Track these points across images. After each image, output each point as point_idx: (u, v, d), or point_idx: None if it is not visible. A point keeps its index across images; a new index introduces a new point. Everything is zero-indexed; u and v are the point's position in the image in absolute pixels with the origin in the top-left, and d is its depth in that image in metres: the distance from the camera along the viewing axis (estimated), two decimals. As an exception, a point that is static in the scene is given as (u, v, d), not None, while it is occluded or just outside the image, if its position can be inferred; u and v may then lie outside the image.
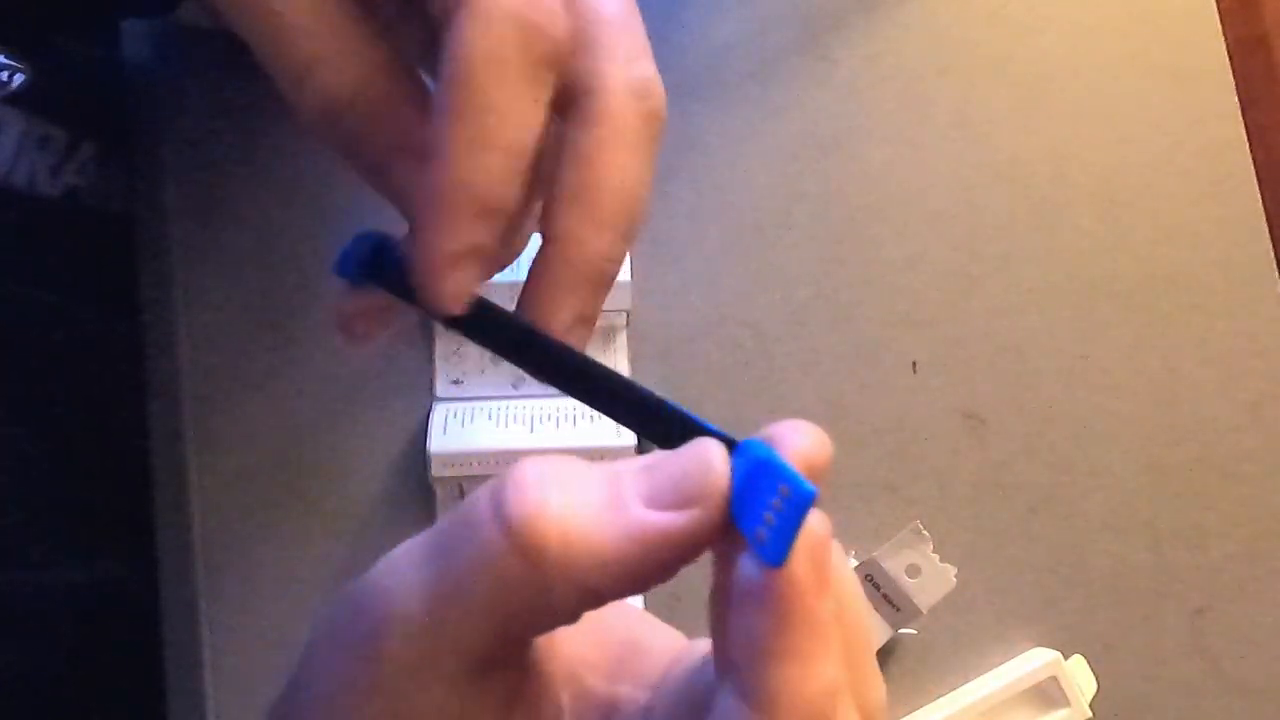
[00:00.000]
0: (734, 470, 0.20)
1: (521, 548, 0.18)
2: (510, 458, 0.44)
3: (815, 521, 0.19)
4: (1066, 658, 0.47)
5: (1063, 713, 0.46)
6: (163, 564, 0.45)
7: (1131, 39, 0.52)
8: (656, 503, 0.19)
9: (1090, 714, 0.46)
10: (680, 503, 0.19)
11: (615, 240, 0.23)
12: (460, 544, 0.19)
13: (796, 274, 0.49)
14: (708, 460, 0.19)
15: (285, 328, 0.47)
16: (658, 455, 0.20)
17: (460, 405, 0.46)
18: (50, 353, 0.42)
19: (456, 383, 0.47)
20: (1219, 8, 0.52)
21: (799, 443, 0.20)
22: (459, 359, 0.47)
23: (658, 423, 0.23)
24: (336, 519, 0.46)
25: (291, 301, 0.47)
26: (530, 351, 0.24)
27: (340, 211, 0.48)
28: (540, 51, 0.22)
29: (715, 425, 0.22)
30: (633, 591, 0.19)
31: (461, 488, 0.45)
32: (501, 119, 0.21)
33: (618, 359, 0.48)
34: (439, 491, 0.45)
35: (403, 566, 0.19)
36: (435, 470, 0.44)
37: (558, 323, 0.23)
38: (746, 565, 0.18)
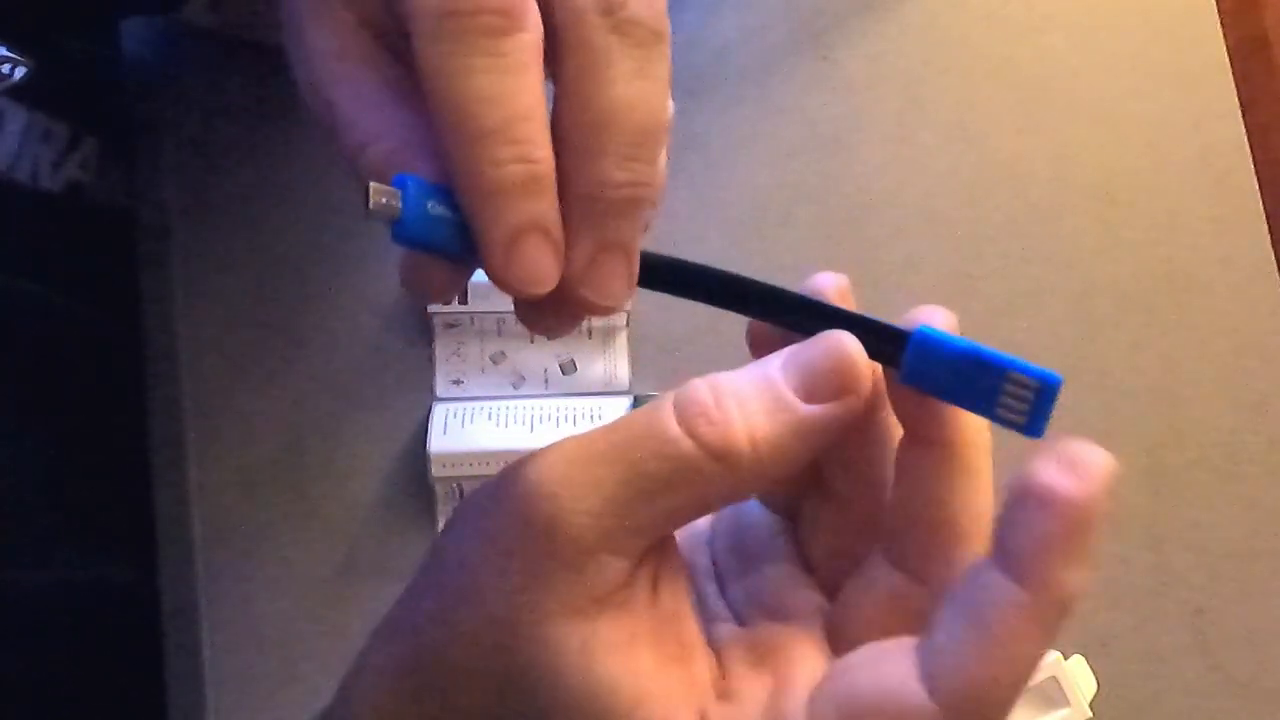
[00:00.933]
0: (931, 356, 0.23)
1: (719, 455, 0.22)
2: (510, 458, 0.44)
3: (1105, 458, 0.22)
4: (1066, 658, 0.47)
5: (1063, 713, 0.46)
6: (163, 564, 0.45)
7: (1131, 39, 0.52)
8: (814, 397, 0.23)
9: (1090, 714, 0.46)
10: (834, 394, 0.23)
11: (612, 165, 0.23)
12: (650, 454, 0.22)
13: (797, 273, 0.49)
14: (848, 352, 0.23)
15: (285, 328, 0.47)
16: (797, 350, 0.24)
17: (460, 405, 0.46)
18: (50, 349, 0.42)
19: (456, 383, 0.47)
20: (1219, 8, 0.52)
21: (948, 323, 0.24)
22: (459, 359, 0.47)
23: (821, 320, 0.25)
24: (336, 519, 0.46)
25: (291, 301, 0.47)
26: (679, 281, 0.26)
27: (340, 211, 0.48)
28: (486, 23, 0.21)
29: (872, 315, 0.25)
30: (796, 471, 0.23)
31: (461, 488, 0.45)
32: (490, 102, 0.22)
33: (618, 359, 0.48)
34: (439, 491, 0.45)
35: (578, 466, 0.22)
36: (435, 470, 0.44)
37: (577, 255, 0.23)
38: (1047, 473, 0.22)
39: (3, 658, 0.38)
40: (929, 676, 0.21)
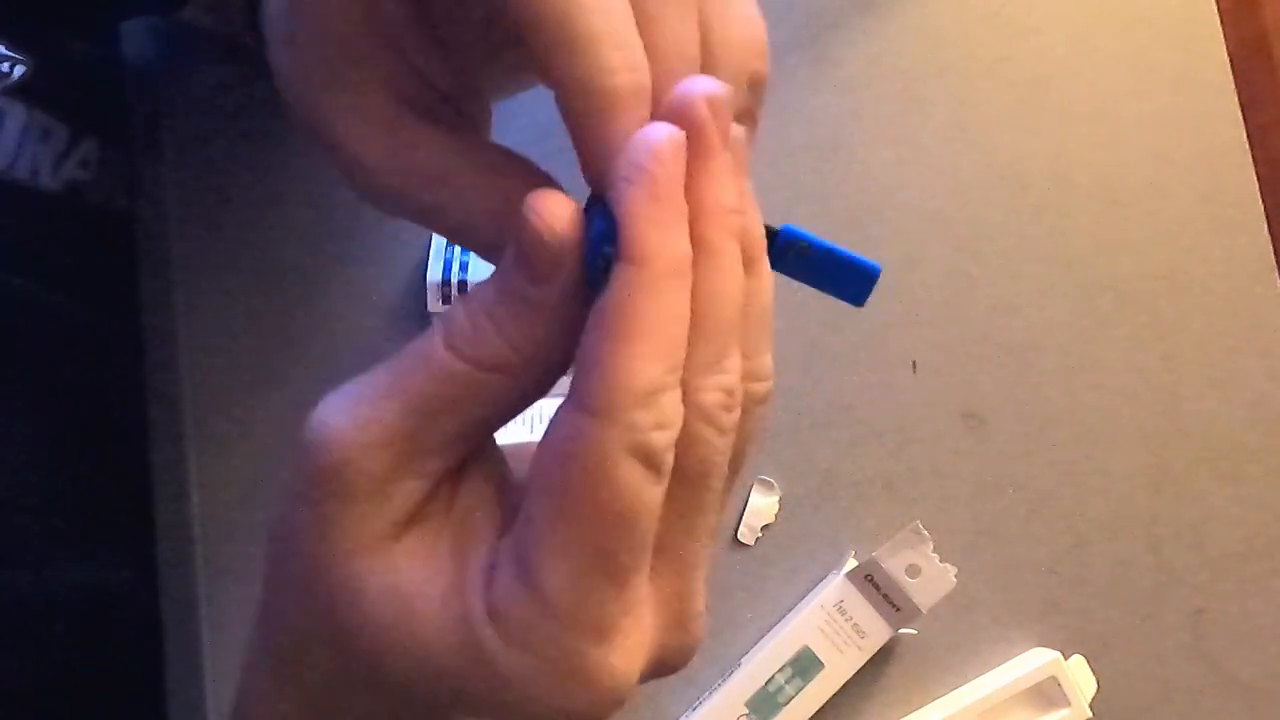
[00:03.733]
0: (793, 249, 0.26)
1: (492, 368, 0.23)
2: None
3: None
4: (1066, 658, 0.47)
5: (1063, 713, 0.46)
6: (163, 564, 0.45)
7: (1131, 39, 0.52)
8: (540, 279, 0.23)
9: (1090, 714, 0.46)
10: (550, 270, 0.23)
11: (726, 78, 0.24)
12: (425, 380, 0.23)
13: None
14: (540, 229, 0.23)
15: (285, 328, 0.47)
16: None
17: (460, 405, 0.46)
18: (49, 349, 0.42)
19: (456, 383, 0.47)
20: (1219, 8, 0.52)
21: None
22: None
23: None
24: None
25: (291, 301, 0.47)
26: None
27: (340, 211, 0.48)
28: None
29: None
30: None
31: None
32: (596, 9, 0.22)
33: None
34: (439, 491, 0.45)
35: (361, 404, 0.23)
36: (435, 470, 0.44)
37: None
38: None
39: (2, 658, 0.38)
40: (577, 401, 0.22)
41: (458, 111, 0.27)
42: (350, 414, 0.23)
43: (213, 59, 0.48)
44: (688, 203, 0.22)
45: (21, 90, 0.41)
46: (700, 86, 0.22)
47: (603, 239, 0.22)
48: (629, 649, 0.23)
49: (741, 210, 0.23)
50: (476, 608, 0.22)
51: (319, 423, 0.23)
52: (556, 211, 0.22)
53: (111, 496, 0.44)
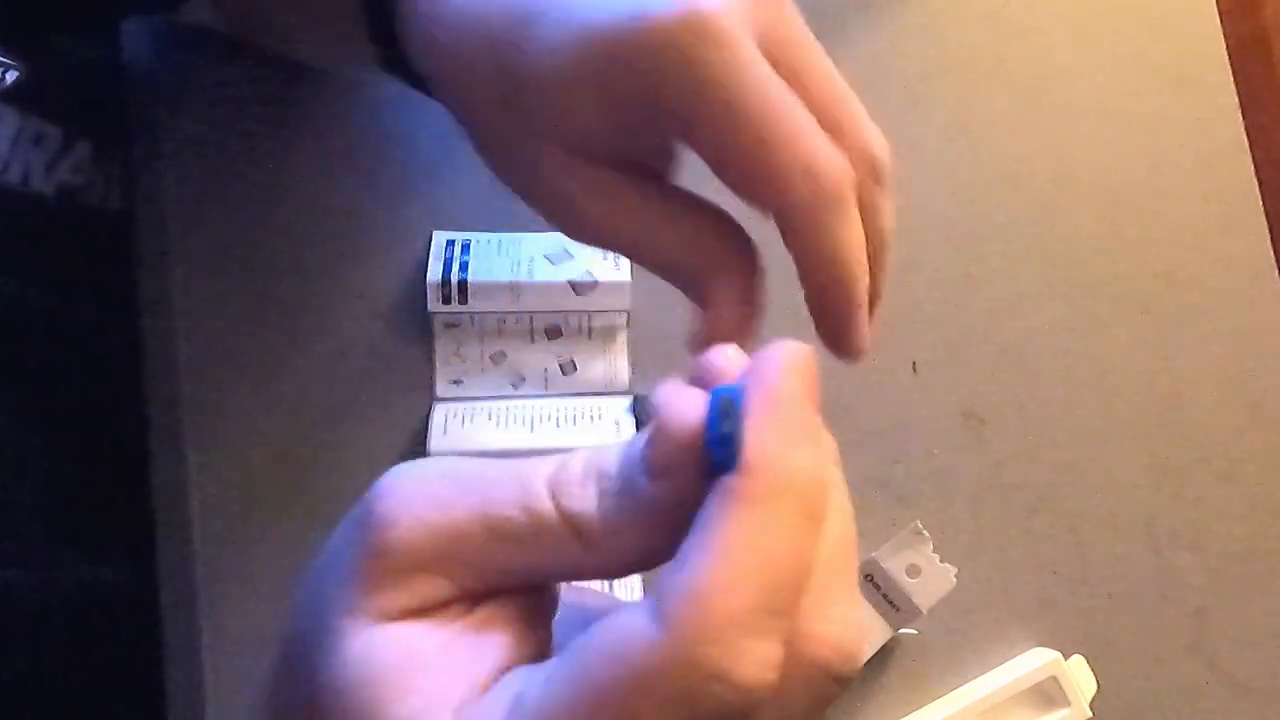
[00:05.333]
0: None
1: (574, 531, 0.21)
2: (510, 458, 0.44)
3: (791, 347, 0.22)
4: (1066, 658, 0.47)
5: (1063, 713, 0.46)
6: (162, 564, 0.45)
7: (1131, 39, 0.52)
8: (660, 473, 0.21)
9: (1090, 714, 0.46)
10: (666, 468, 0.21)
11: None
12: (509, 501, 0.22)
13: (796, 274, 0.49)
14: (673, 425, 0.21)
15: (285, 328, 0.47)
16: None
17: (460, 405, 0.46)
18: (48, 352, 0.42)
19: (456, 383, 0.47)
20: (1219, 8, 0.52)
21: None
22: (459, 359, 0.47)
23: None
24: (336, 520, 0.46)
25: (291, 301, 0.47)
26: None
27: (340, 212, 0.48)
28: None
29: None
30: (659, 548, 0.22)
31: (461, 488, 0.45)
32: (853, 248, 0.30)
33: (618, 359, 0.48)
34: (439, 491, 0.45)
35: (435, 483, 0.22)
36: (435, 470, 0.44)
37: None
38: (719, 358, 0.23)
39: (2, 659, 0.38)
40: (655, 606, 0.19)
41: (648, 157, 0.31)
42: (419, 488, 0.22)
43: (213, 59, 0.48)
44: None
45: (13, 95, 0.41)
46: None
47: (724, 440, 0.20)
48: None
49: (811, 475, 0.21)
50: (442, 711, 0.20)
51: (389, 483, 0.22)
52: (684, 406, 0.21)
53: (111, 496, 0.44)
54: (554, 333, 0.47)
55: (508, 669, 0.21)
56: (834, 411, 0.49)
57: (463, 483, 0.22)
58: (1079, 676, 0.47)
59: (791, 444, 0.20)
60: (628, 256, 0.31)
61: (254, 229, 0.48)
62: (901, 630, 0.46)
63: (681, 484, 0.20)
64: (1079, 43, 0.52)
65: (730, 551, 0.18)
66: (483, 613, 0.22)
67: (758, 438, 0.19)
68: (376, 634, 0.21)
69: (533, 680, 0.20)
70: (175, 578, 0.45)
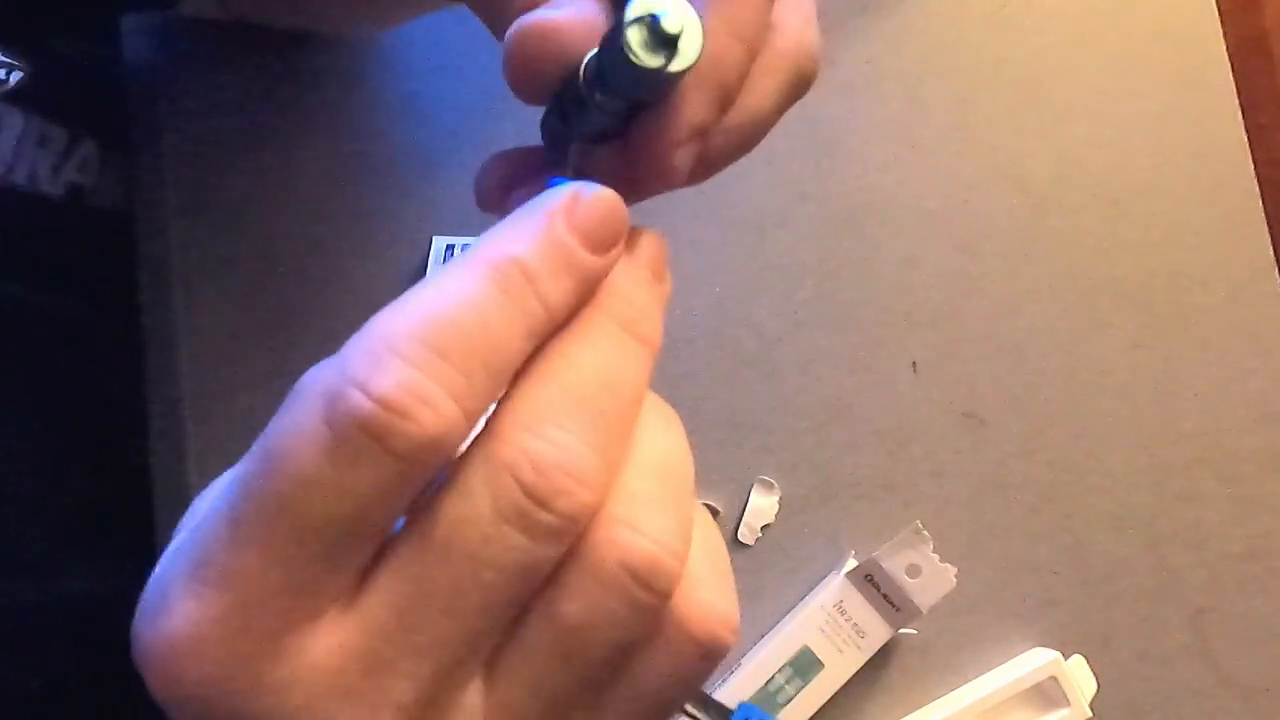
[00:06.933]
0: None
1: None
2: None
3: None
4: (1066, 658, 0.47)
5: (1063, 713, 0.46)
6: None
7: (1131, 39, 0.52)
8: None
9: (1090, 714, 0.46)
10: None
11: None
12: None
13: (796, 274, 0.49)
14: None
15: (285, 328, 0.47)
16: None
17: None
18: (50, 352, 0.42)
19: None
20: (1219, 8, 0.52)
21: None
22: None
23: None
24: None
25: (291, 301, 0.47)
26: None
27: (340, 212, 0.48)
28: None
29: None
30: None
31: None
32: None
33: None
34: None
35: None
36: (435, 470, 0.44)
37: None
38: None
39: (3, 665, 0.38)
40: None
41: None
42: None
43: (213, 58, 0.48)
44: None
45: (18, 96, 0.41)
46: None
47: None
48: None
49: (645, 310, 0.22)
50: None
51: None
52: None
53: (111, 498, 0.44)
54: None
55: None
56: (834, 411, 0.49)
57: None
58: (1079, 676, 0.47)
59: (511, 235, 0.20)
60: None
61: (254, 229, 0.48)
62: (901, 630, 0.46)
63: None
64: (1079, 43, 0.52)
65: (413, 293, 0.19)
66: None
67: (489, 231, 0.20)
68: None
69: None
70: (176, 578, 0.45)
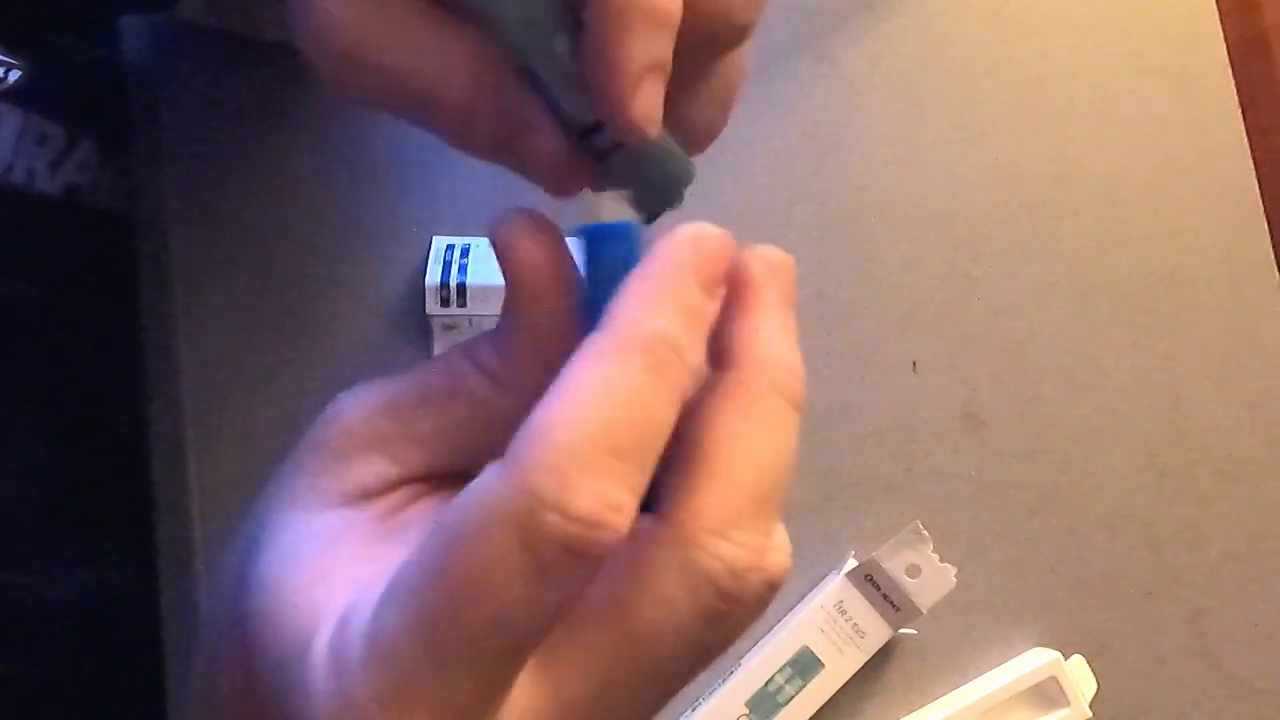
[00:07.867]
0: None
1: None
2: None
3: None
4: (1066, 658, 0.47)
5: (1063, 713, 0.46)
6: (163, 565, 0.45)
7: (1131, 39, 0.52)
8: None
9: (1090, 714, 0.46)
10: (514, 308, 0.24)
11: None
12: (436, 371, 0.24)
13: (796, 274, 0.49)
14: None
15: (285, 328, 0.47)
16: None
17: (460, 405, 0.46)
18: (49, 352, 0.42)
19: (456, 383, 0.47)
20: (1219, 8, 0.52)
21: None
22: (459, 359, 0.47)
23: None
24: (336, 519, 0.46)
25: (291, 302, 0.47)
26: None
27: (340, 213, 0.48)
28: None
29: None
30: None
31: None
32: None
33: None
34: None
35: (376, 384, 0.24)
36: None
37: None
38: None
39: (3, 661, 0.38)
40: (505, 457, 0.19)
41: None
42: (356, 391, 0.24)
43: (213, 59, 0.48)
44: (730, 343, 0.22)
45: (16, 94, 0.41)
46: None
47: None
48: None
49: (799, 374, 0.23)
50: (330, 616, 0.20)
51: (341, 396, 0.24)
52: (528, 245, 0.23)
53: (111, 496, 0.44)
54: (554, 333, 0.47)
55: None
56: (834, 411, 0.49)
57: (406, 375, 0.24)
58: (1079, 676, 0.47)
59: (652, 307, 0.20)
60: (391, 105, 0.23)
61: (254, 229, 0.48)
62: (901, 630, 0.46)
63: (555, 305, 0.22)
64: (1079, 43, 0.52)
65: (573, 392, 0.19)
66: (422, 505, 0.23)
67: (622, 299, 0.21)
68: (305, 524, 0.22)
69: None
70: (175, 578, 0.45)
